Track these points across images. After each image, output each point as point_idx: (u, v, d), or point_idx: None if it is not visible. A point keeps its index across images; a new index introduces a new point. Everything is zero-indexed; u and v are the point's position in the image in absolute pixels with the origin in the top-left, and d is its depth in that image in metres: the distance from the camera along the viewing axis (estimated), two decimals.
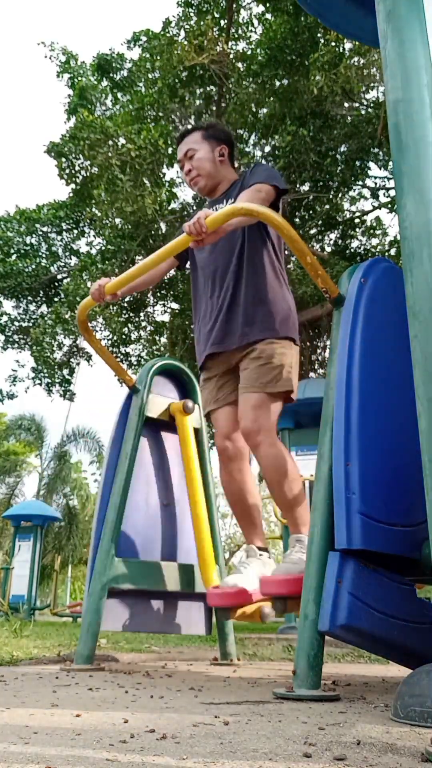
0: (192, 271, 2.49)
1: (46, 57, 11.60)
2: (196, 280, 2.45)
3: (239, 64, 9.71)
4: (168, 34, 9.89)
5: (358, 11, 2.06)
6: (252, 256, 2.26)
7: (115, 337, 10.78)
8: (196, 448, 2.90)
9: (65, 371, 11.56)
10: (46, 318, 10.10)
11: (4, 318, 12.03)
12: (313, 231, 10.79)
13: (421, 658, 1.58)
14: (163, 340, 11.35)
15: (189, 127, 2.59)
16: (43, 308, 12.04)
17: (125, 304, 10.94)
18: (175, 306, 11.25)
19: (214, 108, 10.11)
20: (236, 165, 2.52)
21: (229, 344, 2.26)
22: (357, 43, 7.86)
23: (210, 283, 2.34)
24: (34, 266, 11.59)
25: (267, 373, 2.16)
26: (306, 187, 9.96)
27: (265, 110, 9.58)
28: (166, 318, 11.61)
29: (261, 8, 9.84)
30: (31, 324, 11.82)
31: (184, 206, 10.47)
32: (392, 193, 10.12)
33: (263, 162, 2.62)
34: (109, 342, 10.87)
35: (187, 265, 2.54)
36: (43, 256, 12.01)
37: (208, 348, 2.32)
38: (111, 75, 11.82)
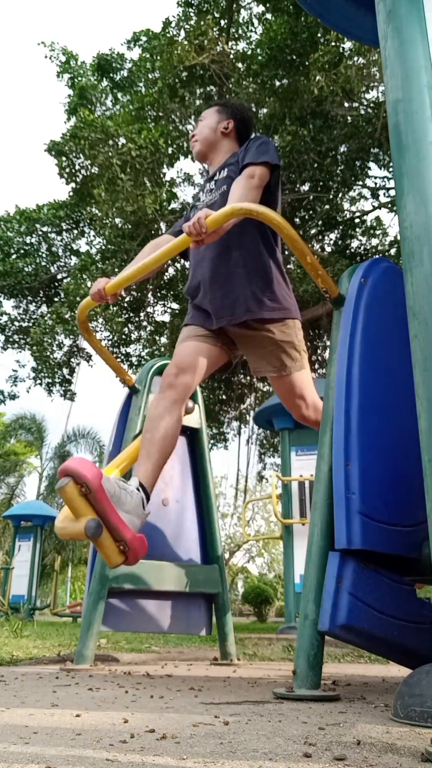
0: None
1: (46, 57, 11.61)
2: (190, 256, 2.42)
3: (239, 64, 9.72)
4: (168, 34, 9.89)
5: (358, 11, 2.07)
6: (248, 241, 2.22)
7: (115, 338, 10.79)
8: (196, 448, 2.90)
9: (65, 371, 11.57)
10: (46, 318, 10.11)
11: (4, 318, 12.04)
12: (313, 231, 10.79)
13: (421, 658, 1.58)
14: (164, 340, 11.36)
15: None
16: (43, 308, 12.06)
17: (125, 304, 10.95)
18: (175, 306, 11.26)
19: None
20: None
21: (230, 319, 2.19)
22: (357, 43, 7.86)
23: (204, 261, 2.29)
24: (34, 266, 11.60)
25: (290, 355, 2.21)
26: (306, 187, 9.96)
27: (265, 110, 9.58)
28: (166, 318, 11.63)
29: (261, 8, 9.85)
30: (31, 324, 11.84)
31: (184, 206, 10.48)
32: (392, 193, 10.12)
33: (260, 136, 2.56)
34: (110, 342, 10.88)
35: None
36: (43, 255, 12.02)
37: (215, 320, 2.22)
38: (111, 75, 11.83)
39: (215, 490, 2.97)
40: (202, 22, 9.39)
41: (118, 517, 1.73)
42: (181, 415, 2.09)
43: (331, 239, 11.23)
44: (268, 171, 2.12)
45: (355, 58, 8.68)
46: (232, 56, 9.70)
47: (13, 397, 12.25)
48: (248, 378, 11.45)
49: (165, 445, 2.00)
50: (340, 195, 10.37)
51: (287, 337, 2.19)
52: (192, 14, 9.85)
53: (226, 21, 9.83)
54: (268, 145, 2.19)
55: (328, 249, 10.94)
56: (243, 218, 2.12)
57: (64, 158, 9.83)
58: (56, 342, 10.31)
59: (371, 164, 10.23)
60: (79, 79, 11.54)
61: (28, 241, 11.90)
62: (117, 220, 9.93)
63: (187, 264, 2.54)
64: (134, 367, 11.17)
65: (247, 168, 2.10)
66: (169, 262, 10.46)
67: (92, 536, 1.68)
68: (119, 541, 1.75)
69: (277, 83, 9.16)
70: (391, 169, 9.65)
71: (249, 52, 9.66)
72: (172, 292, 11.07)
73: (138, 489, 1.84)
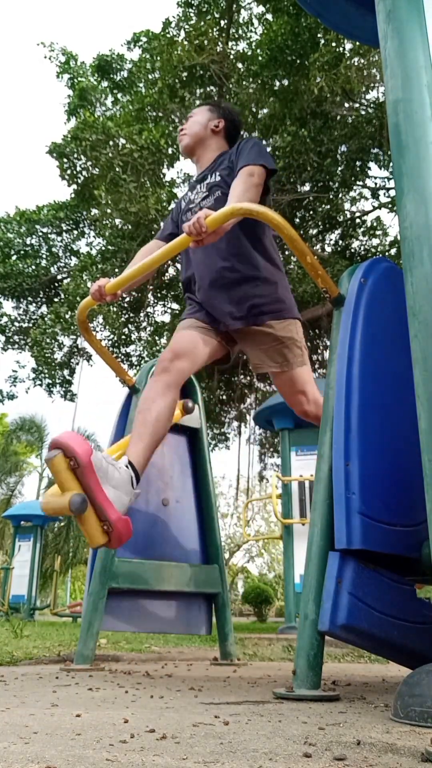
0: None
1: (45, 57, 11.61)
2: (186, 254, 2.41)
3: (239, 65, 9.72)
4: (168, 35, 9.89)
5: (358, 11, 2.07)
6: (241, 236, 2.23)
7: (115, 338, 10.79)
8: (196, 448, 2.90)
9: (65, 372, 11.57)
10: (45, 318, 10.11)
11: (5, 319, 12.05)
12: (313, 231, 10.80)
13: (421, 658, 1.58)
14: (164, 340, 11.36)
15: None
16: (43, 309, 12.07)
17: (125, 305, 10.96)
18: (175, 306, 11.26)
19: None
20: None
21: (237, 322, 2.21)
22: (357, 43, 7.86)
23: (202, 259, 2.30)
24: (34, 267, 11.60)
25: (292, 351, 2.23)
26: (306, 188, 9.96)
27: (265, 110, 9.59)
28: (166, 318, 11.64)
29: (261, 8, 9.85)
30: (31, 324, 11.84)
31: (178, 200, 10.47)
32: (392, 193, 10.12)
33: (251, 137, 2.60)
34: (110, 342, 10.88)
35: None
36: (44, 256, 12.02)
37: (220, 321, 2.25)
38: (111, 76, 11.83)
39: (215, 490, 2.97)
40: (202, 23, 9.39)
41: (105, 496, 1.71)
42: (175, 400, 2.09)
43: (331, 239, 11.24)
44: (265, 173, 2.13)
45: (355, 59, 8.69)
46: (232, 56, 9.71)
47: (11, 397, 12.26)
48: (248, 378, 11.46)
49: (157, 427, 1.98)
50: (340, 195, 10.37)
51: (288, 333, 2.21)
52: (192, 15, 9.85)
53: (226, 21, 9.83)
54: (261, 147, 2.20)
55: (329, 249, 10.94)
56: (240, 220, 2.13)
57: (65, 160, 9.84)
58: (56, 342, 10.32)
59: (371, 164, 10.24)
60: (79, 79, 11.54)
61: (28, 242, 11.91)
62: (117, 221, 9.93)
63: (180, 266, 2.55)
64: (134, 367, 11.18)
65: (245, 167, 2.10)
66: (169, 262, 10.45)
67: (76, 511, 1.66)
68: (104, 521, 1.72)
69: (277, 84, 9.17)
70: (391, 169, 9.65)
71: (249, 53, 9.66)
72: (172, 293, 11.07)
73: (127, 466, 1.81)
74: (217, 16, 9.80)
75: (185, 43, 9.26)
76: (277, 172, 2.25)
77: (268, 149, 9.82)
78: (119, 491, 1.75)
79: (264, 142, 9.70)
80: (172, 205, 9.80)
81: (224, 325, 2.24)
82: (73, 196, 11.00)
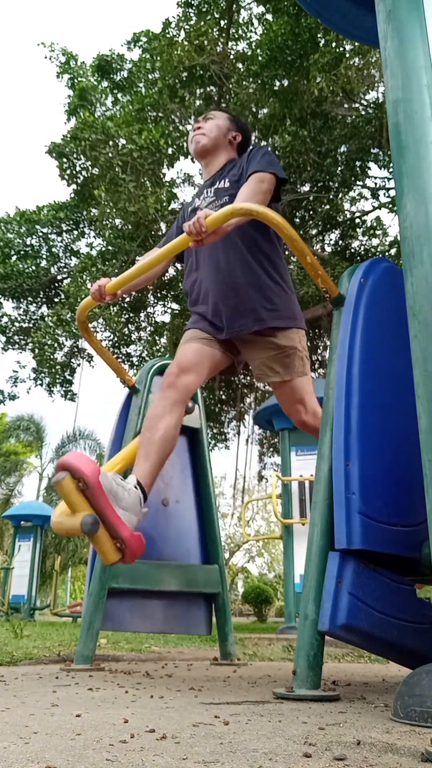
0: (186, 257, 2.43)
1: (46, 58, 11.63)
2: (189, 261, 2.38)
3: (239, 65, 9.72)
4: (168, 35, 9.90)
5: (358, 11, 2.07)
6: (251, 247, 2.23)
7: (115, 338, 10.79)
8: (196, 448, 2.90)
9: (66, 372, 11.58)
10: (47, 320, 10.12)
11: (5, 319, 12.06)
12: (313, 231, 10.80)
13: (421, 658, 1.58)
14: (164, 340, 11.37)
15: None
16: (44, 309, 12.07)
17: (125, 305, 10.96)
18: (175, 306, 11.27)
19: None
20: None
21: (241, 329, 2.19)
22: (357, 43, 7.86)
23: (206, 267, 2.28)
24: (34, 267, 11.60)
25: (294, 361, 2.21)
26: (306, 188, 9.96)
27: (265, 110, 9.59)
28: (166, 318, 11.64)
29: (261, 9, 9.85)
30: (31, 325, 11.85)
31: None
32: (392, 193, 10.12)
33: (262, 146, 2.58)
34: (110, 342, 10.88)
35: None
36: (44, 257, 12.02)
37: (226, 330, 2.21)
38: (111, 76, 11.84)
39: (215, 490, 2.97)
40: (202, 23, 9.39)
41: (116, 514, 1.72)
42: (182, 415, 2.07)
43: (331, 239, 11.24)
44: (275, 181, 2.13)
45: (355, 59, 8.69)
46: (232, 57, 9.71)
47: (13, 397, 12.29)
48: (248, 378, 11.46)
49: (164, 446, 1.97)
50: (340, 195, 10.37)
51: (291, 342, 2.20)
52: (192, 15, 9.85)
53: (226, 21, 9.83)
54: (272, 156, 2.20)
55: (329, 249, 10.95)
56: (247, 228, 2.13)
57: (65, 160, 9.85)
58: (57, 343, 10.33)
59: (371, 164, 10.24)
60: (79, 79, 11.55)
61: (28, 243, 11.91)
62: (117, 221, 9.94)
63: (180, 267, 2.54)
64: (135, 368, 11.18)
65: (256, 173, 2.10)
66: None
67: (88, 532, 1.67)
68: (116, 539, 1.74)
69: (278, 84, 9.17)
70: (391, 169, 9.65)
71: (249, 53, 9.66)
72: (172, 293, 11.08)
73: (135, 487, 1.83)
74: (217, 16, 9.80)
75: (185, 43, 9.26)
76: (287, 182, 2.24)
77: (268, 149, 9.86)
78: (129, 512, 1.77)
79: (264, 142, 9.71)
80: (173, 205, 9.82)
81: (228, 334, 2.20)
82: (72, 196, 11.01)
